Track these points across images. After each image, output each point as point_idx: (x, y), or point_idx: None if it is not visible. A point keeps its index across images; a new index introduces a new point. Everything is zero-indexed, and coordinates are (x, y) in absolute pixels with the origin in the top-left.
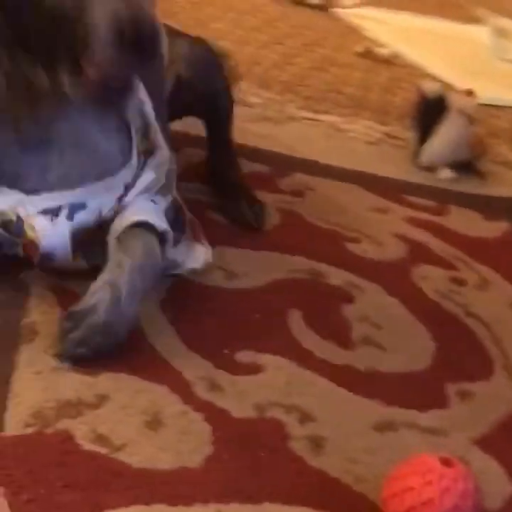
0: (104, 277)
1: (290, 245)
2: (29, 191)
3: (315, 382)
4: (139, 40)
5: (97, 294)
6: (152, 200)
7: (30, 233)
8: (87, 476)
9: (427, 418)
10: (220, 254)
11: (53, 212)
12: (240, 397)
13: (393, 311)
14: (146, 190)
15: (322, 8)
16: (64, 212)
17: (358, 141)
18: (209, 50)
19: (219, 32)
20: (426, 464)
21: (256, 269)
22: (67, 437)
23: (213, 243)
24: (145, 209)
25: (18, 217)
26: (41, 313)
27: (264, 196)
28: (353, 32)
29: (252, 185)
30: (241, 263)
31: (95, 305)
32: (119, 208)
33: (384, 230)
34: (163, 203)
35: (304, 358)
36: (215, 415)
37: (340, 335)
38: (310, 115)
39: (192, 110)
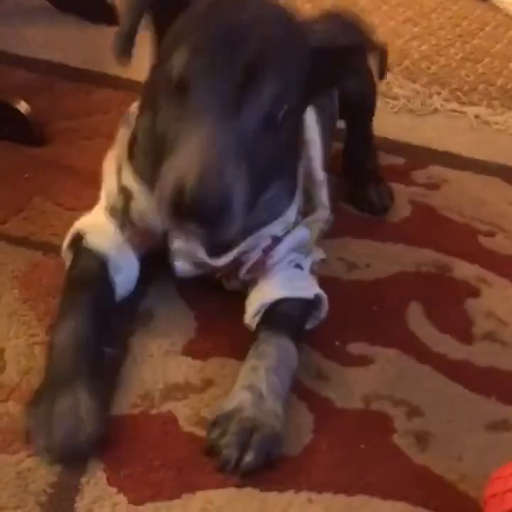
0: (240, 383)
1: (418, 237)
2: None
3: (428, 377)
4: (200, 212)
5: (238, 396)
6: (297, 265)
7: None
8: (183, 456)
9: None
10: (343, 245)
11: (191, 255)
12: (347, 387)
13: None
14: (296, 248)
15: None
16: (202, 251)
17: (504, 133)
18: None
19: (371, 25)
20: None
21: (379, 260)
22: (170, 419)
23: (339, 234)
24: (288, 280)
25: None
26: (159, 300)
27: (398, 188)
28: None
29: (387, 177)
30: (364, 254)
31: (240, 404)
32: (262, 264)
33: None
34: (309, 262)
35: (419, 351)
36: (318, 404)
37: (461, 329)
38: (455, 107)
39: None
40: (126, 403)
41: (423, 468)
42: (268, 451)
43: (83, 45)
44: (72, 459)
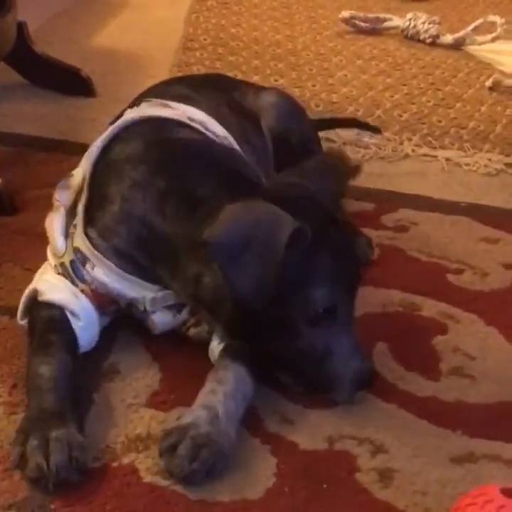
0: (198, 402)
1: (385, 279)
2: (162, 287)
3: (394, 415)
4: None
5: (194, 413)
6: None
7: (150, 323)
8: (142, 506)
9: None
10: None
11: (177, 309)
12: (311, 429)
13: (489, 341)
14: None
15: (455, 46)
16: (187, 309)
17: (476, 174)
18: (292, 98)
19: (343, 79)
20: (485, 495)
21: None
22: (131, 470)
23: None
24: None
25: (145, 310)
26: (125, 354)
27: (367, 232)
28: (485, 67)
29: (356, 222)
30: None
31: (195, 421)
32: None
33: (491, 260)
34: None
35: (385, 390)
36: (282, 448)
37: (427, 366)
38: (427, 151)
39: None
40: (89, 458)
41: (386, 504)
42: (213, 464)
43: (59, 117)
44: (61, 485)
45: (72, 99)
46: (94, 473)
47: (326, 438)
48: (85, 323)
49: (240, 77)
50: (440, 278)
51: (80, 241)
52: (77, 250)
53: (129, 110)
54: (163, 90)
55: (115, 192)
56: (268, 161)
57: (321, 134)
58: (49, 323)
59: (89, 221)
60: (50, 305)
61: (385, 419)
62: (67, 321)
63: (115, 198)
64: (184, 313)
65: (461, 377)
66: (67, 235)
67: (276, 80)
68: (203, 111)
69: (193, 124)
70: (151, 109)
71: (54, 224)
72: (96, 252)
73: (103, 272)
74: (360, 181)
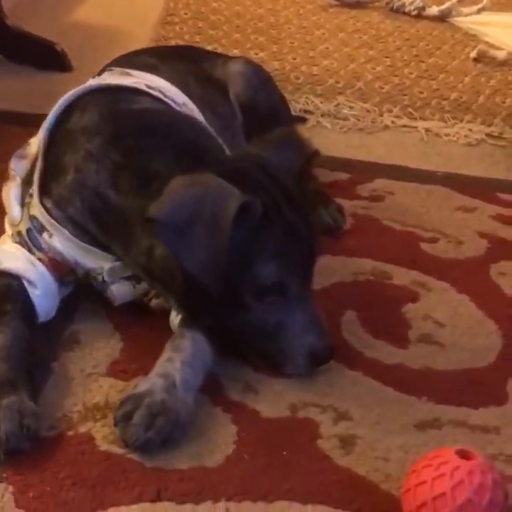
0: (155, 371)
1: (358, 249)
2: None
3: (359, 382)
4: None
5: (151, 381)
6: None
7: (110, 294)
8: (97, 474)
9: (479, 415)
10: None
11: (136, 280)
12: (275, 398)
13: (460, 309)
14: None
15: (441, 18)
16: None
17: (455, 144)
18: (259, 67)
19: (325, 52)
20: (441, 457)
21: (316, 274)
22: (87, 438)
23: None
24: None
25: (103, 281)
26: (86, 324)
27: (341, 203)
28: (470, 39)
29: (331, 192)
30: None
31: (150, 388)
32: None
33: (466, 229)
34: None
35: (351, 358)
36: (244, 416)
37: (397, 334)
38: (406, 122)
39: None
40: (43, 426)
41: (347, 470)
42: (170, 432)
43: (34, 92)
44: (13, 453)
45: (47, 74)
46: (48, 441)
47: (289, 406)
48: (43, 292)
49: (219, 50)
50: (414, 247)
51: (36, 210)
52: (33, 218)
53: (91, 80)
54: (129, 60)
55: (69, 162)
56: (237, 131)
57: (300, 105)
58: (5, 292)
59: (44, 190)
60: (6, 274)
61: (350, 387)
62: (25, 290)
63: (69, 168)
64: (143, 284)
65: (429, 345)
66: (24, 204)
67: (256, 54)
68: (166, 80)
69: (151, 91)
70: (111, 77)
71: (10, 193)
72: (52, 221)
73: (59, 241)
74: (338, 152)
